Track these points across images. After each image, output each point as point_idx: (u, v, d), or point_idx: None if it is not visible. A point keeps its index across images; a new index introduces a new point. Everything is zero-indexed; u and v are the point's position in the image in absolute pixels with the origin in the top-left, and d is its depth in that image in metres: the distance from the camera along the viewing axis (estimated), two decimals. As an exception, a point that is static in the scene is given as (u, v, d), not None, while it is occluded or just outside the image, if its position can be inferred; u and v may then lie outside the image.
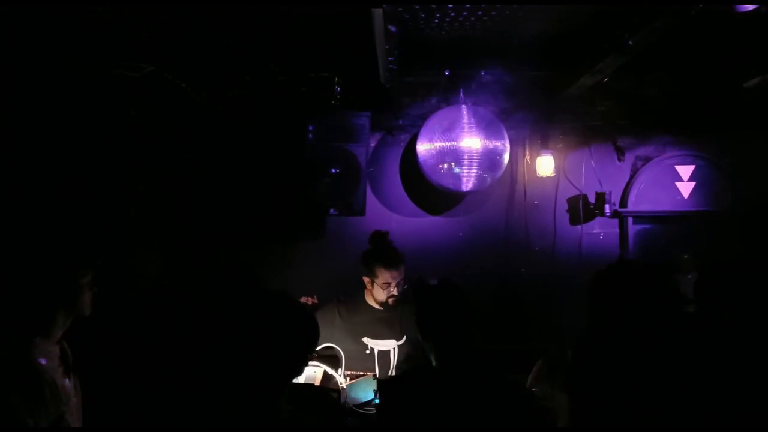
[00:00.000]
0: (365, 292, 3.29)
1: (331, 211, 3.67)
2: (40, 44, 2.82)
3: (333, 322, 3.28)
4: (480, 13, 2.64)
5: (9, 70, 2.85)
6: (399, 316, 3.23)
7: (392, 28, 2.48)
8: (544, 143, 4.07)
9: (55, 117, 3.06)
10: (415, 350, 3.20)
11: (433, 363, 2.08)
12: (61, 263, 1.90)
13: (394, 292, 3.17)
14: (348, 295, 3.35)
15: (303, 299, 4.00)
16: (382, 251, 3.22)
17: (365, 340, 3.23)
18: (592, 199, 4.12)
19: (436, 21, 2.73)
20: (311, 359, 2.51)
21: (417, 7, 2.57)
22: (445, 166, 3.64)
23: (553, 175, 4.06)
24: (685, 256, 3.72)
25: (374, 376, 2.99)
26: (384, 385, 2.45)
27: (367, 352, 3.20)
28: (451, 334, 2.05)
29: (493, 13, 2.63)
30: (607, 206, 4.02)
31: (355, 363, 3.09)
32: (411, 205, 4.19)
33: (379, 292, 3.18)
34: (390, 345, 3.22)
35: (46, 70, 2.95)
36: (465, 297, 2.12)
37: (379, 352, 3.21)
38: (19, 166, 2.89)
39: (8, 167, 2.85)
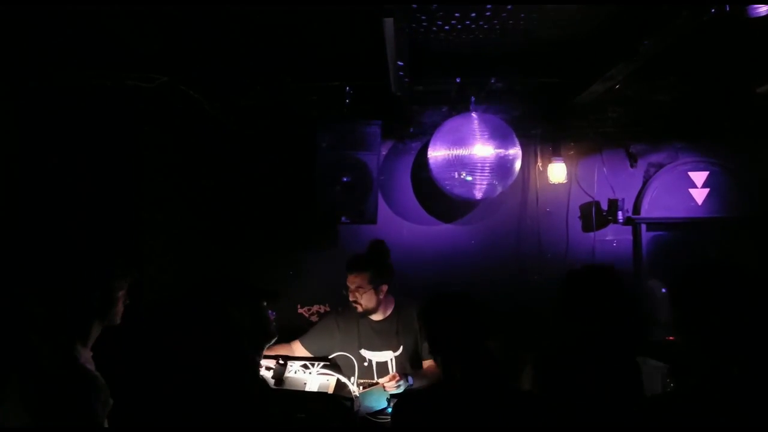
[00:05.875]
0: None
1: (343, 219, 3.68)
2: (56, 56, 2.86)
3: (333, 334, 3.28)
4: (489, 14, 2.64)
5: (24, 80, 2.90)
6: (395, 326, 3.22)
7: (403, 37, 2.49)
8: (555, 150, 4.05)
9: (70, 127, 3.10)
10: (411, 360, 3.20)
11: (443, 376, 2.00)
12: (99, 276, 1.98)
13: (353, 298, 3.17)
14: (346, 307, 3.34)
15: (315, 308, 4.02)
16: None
17: (363, 352, 3.22)
18: (604, 205, 4.09)
19: (448, 27, 2.74)
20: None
21: (424, 17, 2.58)
22: (457, 174, 3.64)
23: (565, 182, 4.04)
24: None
25: (387, 384, 2.98)
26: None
27: (365, 364, 3.20)
28: (463, 349, 1.95)
29: (504, 14, 2.63)
30: (620, 213, 3.99)
31: (353, 374, 3.09)
32: (423, 213, 4.18)
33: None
34: (387, 356, 3.21)
35: (61, 81, 2.99)
36: (478, 311, 2.03)
37: (377, 363, 3.20)
38: (37, 177, 2.94)
39: (29, 179, 2.89)
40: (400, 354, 3.19)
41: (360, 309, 3.18)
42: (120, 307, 2.02)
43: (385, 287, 3.20)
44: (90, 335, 1.95)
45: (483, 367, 1.90)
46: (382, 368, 3.19)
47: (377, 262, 3.20)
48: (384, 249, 3.27)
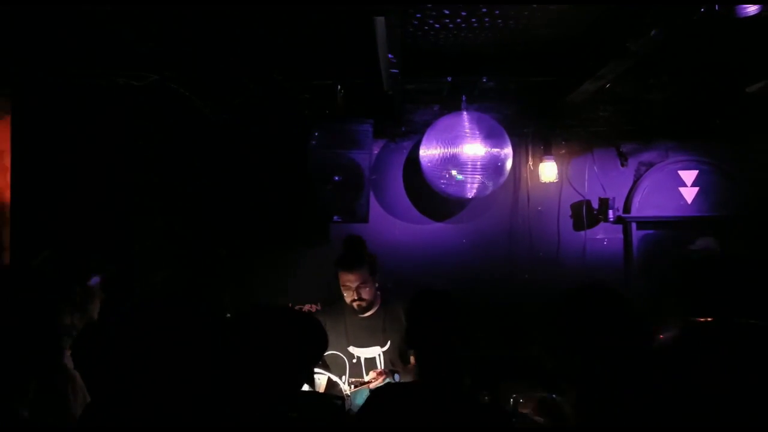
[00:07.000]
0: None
1: (335, 218, 3.67)
2: (47, 54, 2.85)
3: None
4: (484, 15, 2.65)
5: (16, 78, 2.88)
6: (382, 322, 3.21)
7: (394, 35, 2.49)
8: (546, 149, 4.07)
9: (62, 126, 3.08)
10: (399, 355, 3.20)
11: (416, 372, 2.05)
12: (73, 271, 1.96)
13: (355, 296, 3.14)
14: (332, 305, 3.32)
15: (306, 307, 4.01)
16: (341, 253, 3.24)
17: (351, 349, 3.22)
18: (595, 204, 4.12)
19: (438, 26, 2.75)
20: (316, 366, 2.50)
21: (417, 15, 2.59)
22: (448, 173, 3.65)
23: (556, 180, 4.06)
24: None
25: (379, 382, 2.98)
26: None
27: (354, 361, 3.19)
28: (437, 345, 2.01)
29: (497, 12, 2.63)
30: (610, 212, 4.01)
31: (344, 373, 3.09)
32: (414, 212, 4.19)
33: (344, 295, 3.18)
34: (375, 352, 3.20)
35: (52, 79, 2.98)
36: (455, 308, 2.08)
37: (366, 360, 3.20)
38: (31, 175, 2.92)
39: (21, 175, 2.87)
40: (388, 349, 3.20)
41: (364, 305, 3.16)
42: (97, 302, 2.02)
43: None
44: (72, 331, 1.94)
45: (445, 367, 1.95)
46: (371, 364, 3.19)
47: (367, 254, 3.21)
48: (362, 240, 3.28)
